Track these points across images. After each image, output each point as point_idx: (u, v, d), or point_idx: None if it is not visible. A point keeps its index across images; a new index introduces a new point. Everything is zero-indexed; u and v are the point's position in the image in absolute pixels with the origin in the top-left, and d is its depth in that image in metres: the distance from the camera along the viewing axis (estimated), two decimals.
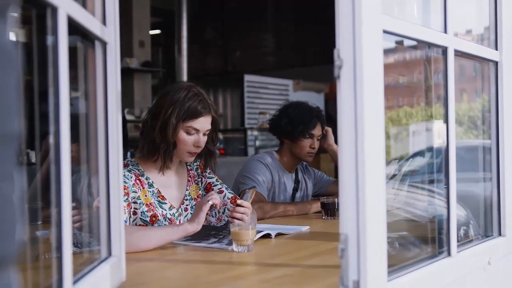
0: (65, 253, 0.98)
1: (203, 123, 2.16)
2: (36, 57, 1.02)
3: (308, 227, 2.32)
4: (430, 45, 1.51)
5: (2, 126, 0.53)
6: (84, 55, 1.28)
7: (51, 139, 0.97)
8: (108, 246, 1.33)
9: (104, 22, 1.31)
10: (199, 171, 2.37)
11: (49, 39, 0.98)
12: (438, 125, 1.89)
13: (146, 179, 2.18)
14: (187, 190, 2.30)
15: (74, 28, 1.08)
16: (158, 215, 2.14)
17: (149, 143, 2.16)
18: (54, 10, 0.96)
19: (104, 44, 1.30)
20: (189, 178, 2.33)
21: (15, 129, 0.55)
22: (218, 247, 1.88)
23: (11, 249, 0.55)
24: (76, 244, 1.31)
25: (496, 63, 1.76)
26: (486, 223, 1.82)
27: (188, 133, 2.15)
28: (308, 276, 1.54)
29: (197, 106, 2.13)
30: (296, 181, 3.08)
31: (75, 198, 1.12)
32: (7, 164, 0.54)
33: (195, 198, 2.31)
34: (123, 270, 1.38)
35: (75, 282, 1.06)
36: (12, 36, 0.56)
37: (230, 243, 1.87)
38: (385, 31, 1.22)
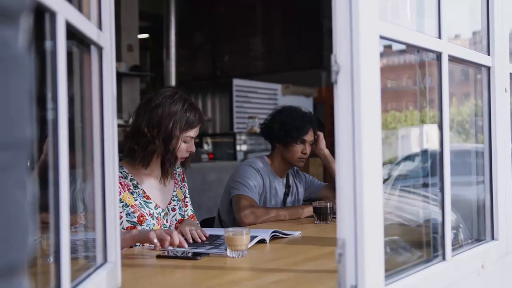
0: (63, 260, 0.97)
1: (197, 130, 2.28)
2: (32, 61, 1.02)
3: (300, 232, 2.32)
4: (425, 50, 1.52)
5: (15, 133, 0.52)
6: (79, 60, 1.28)
7: (50, 145, 0.96)
8: (104, 252, 1.32)
9: (100, 27, 1.30)
10: (181, 177, 2.45)
11: (47, 44, 0.97)
12: (427, 130, 1.90)
13: (131, 180, 2.21)
14: (174, 191, 2.36)
15: (71, 33, 1.08)
16: (145, 214, 2.19)
17: (148, 154, 2.20)
18: (53, 15, 0.95)
19: (100, 49, 1.30)
20: (176, 181, 2.40)
21: (27, 136, 0.54)
22: (216, 252, 1.87)
23: (23, 256, 0.54)
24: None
25: (488, 68, 1.77)
26: (479, 227, 1.83)
27: (185, 141, 2.24)
28: (304, 281, 1.54)
29: (195, 117, 2.24)
30: (287, 186, 3.07)
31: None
32: (19, 171, 0.53)
33: (182, 200, 2.38)
34: (118, 276, 1.37)
35: None
36: (24, 43, 0.56)
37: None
38: (381, 37, 1.22)
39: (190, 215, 2.40)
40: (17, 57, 0.54)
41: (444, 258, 1.49)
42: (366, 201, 1.13)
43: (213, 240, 2.09)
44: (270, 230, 2.17)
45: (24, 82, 0.54)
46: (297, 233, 2.30)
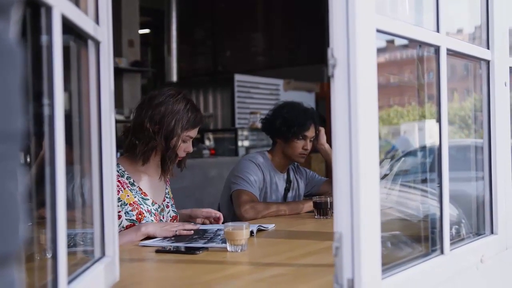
0: (60, 254, 0.98)
1: (196, 131, 2.31)
2: (29, 56, 1.02)
3: (274, 225, 2.33)
4: (423, 44, 1.51)
5: (6, 124, 0.53)
6: (77, 55, 1.27)
7: (46, 140, 0.96)
8: (101, 246, 1.32)
9: (97, 21, 1.30)
10: (168, 177, 2.46)
11: (43, 39, 0.97)
12: (429, 125, 1.90)
13: (127, 178, 2.22)
14: (166, 188, 2.40)
15: (67, 27, 1.07)
16: (144, 211, 2.21)
17: (149, 150, 2.22)
18: (49, 9, 0.95)
19: (97, 43, 1.30)
20: (167, 179, 2.43)
21: (18, 128, 0.55)
22: (215, 246, 1.88)
23: (14, 247, 0.55)
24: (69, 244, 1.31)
25: (488, 62, 1.77)
26: (478, 222, 1.83)
27: (184, 141, 2.26)
28: (302, 275, 1.55)
29: (197, 117, 2.26)
30: (288, 181, 3.07)
31: (67, 199, 1.12)
32: (11, 162, 0.54)
33: (171, 198, 2.42)
34: (116, 270, 1.38)
35: (69, 282, 1.05)
36: (15, 35, 0.56)
37: (224, 241, 1.87)
38: (378, 30, 1.22)
39: (173, 216, 2.40)
40: (8, 49, 0.54)
41: (442, 252, 1.49)
42: (362, 194, 1.14)
43: (203, 234, 2.10)
44: (255, 225, 2.18)
45: (15, 74, 0.54)
46: (271, 226, 2.32)
